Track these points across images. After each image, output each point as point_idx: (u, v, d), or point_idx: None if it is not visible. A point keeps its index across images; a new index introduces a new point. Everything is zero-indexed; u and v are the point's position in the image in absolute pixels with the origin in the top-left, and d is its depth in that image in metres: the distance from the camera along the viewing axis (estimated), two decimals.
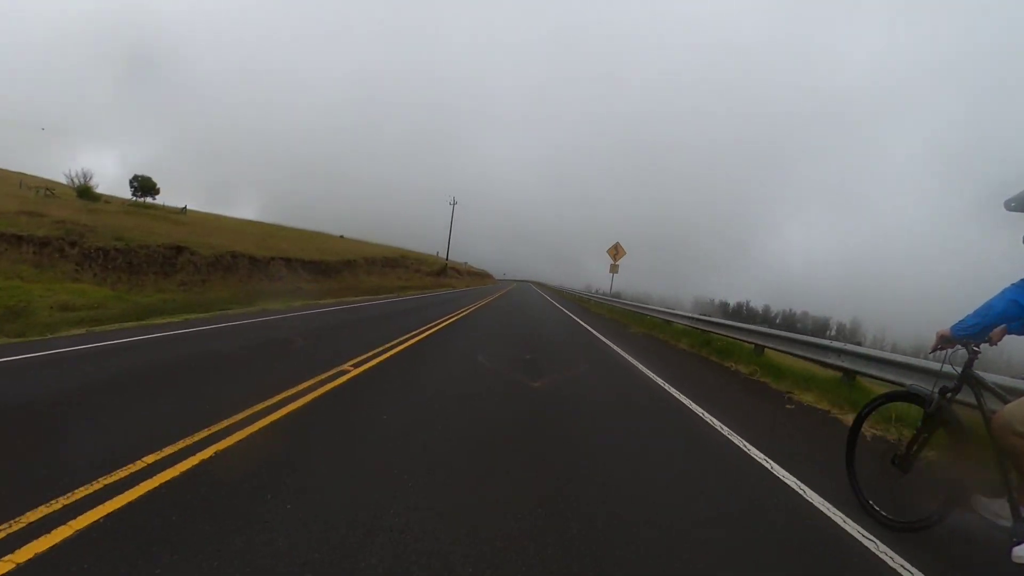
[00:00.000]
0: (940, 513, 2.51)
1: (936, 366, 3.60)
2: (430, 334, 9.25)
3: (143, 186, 37.25)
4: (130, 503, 2.26)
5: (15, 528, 1.99)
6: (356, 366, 5.64)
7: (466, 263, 62.89)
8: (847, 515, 2.78)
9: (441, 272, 50.19)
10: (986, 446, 2.44)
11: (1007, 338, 2.44)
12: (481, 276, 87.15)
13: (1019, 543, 2.14)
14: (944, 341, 2.64)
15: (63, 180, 31.56)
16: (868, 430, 4.25)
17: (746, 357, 8.40)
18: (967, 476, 2.49)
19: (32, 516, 2.07)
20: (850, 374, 6.05)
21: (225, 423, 3.36)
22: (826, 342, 6.73)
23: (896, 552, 2.43)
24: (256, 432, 3.28)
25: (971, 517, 2.46)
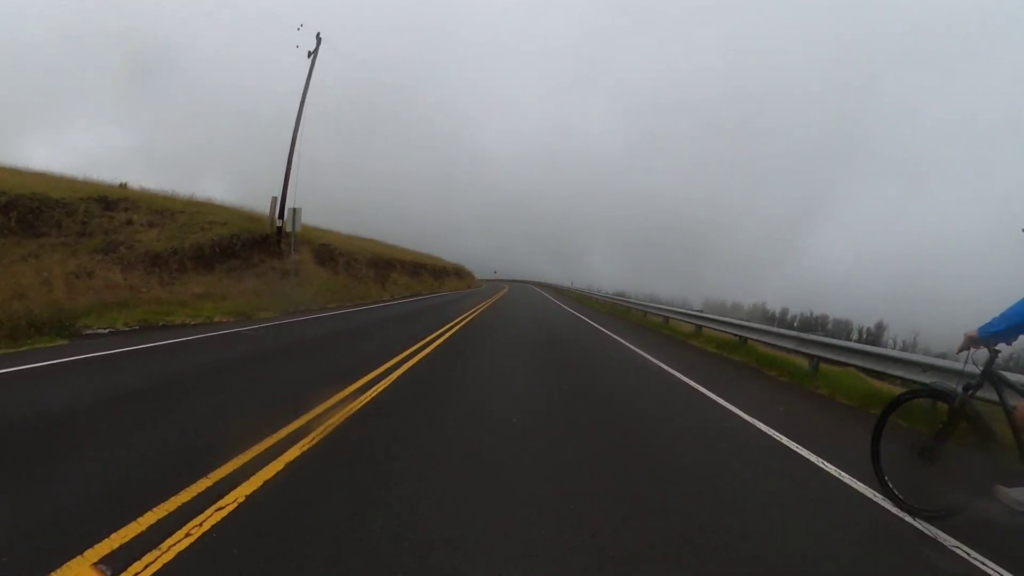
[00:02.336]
0: (964, 501, 2.68)
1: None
2: None
3: None
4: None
5: None
6: None
7: (328, 229, 22.91)
8: None
9: (207, 256, 13.85)
10: (1007, 438, 2.61)
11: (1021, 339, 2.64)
12: (437, 275, 38.21)
13: None
14: (971, 342, 2.84)
15: None
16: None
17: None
18: (989, 466, 2.65)
19: None
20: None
21: None
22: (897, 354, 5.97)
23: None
24: None
25: (993, 505, 2.61)
